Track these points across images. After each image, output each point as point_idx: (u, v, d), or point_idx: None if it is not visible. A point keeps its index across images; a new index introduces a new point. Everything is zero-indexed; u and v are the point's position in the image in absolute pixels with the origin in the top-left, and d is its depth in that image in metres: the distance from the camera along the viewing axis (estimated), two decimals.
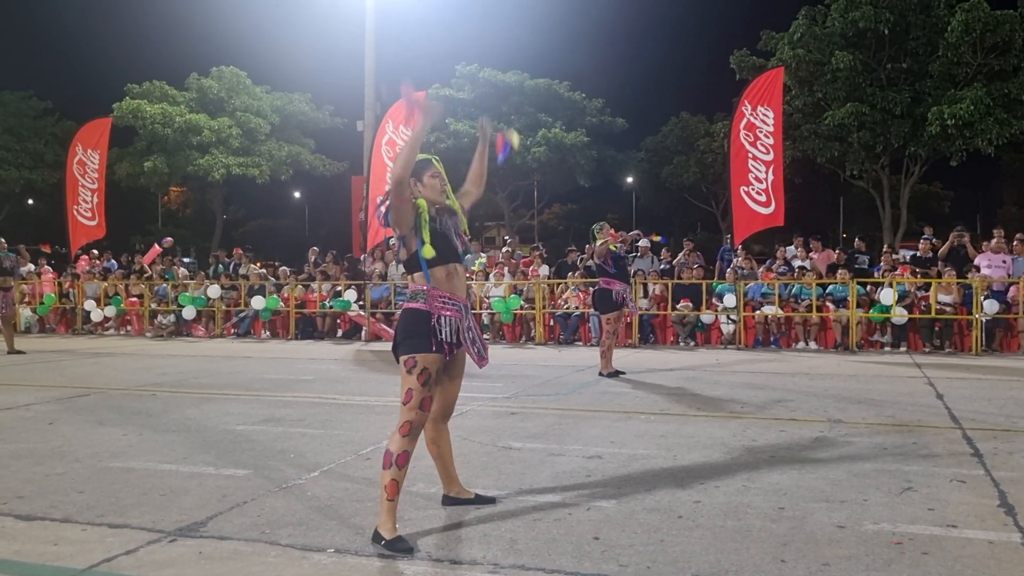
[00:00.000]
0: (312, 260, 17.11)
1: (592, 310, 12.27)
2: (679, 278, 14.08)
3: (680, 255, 15.10)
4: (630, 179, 39.61)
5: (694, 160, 34.60)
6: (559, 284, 14.66)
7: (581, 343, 13.77)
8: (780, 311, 12.77)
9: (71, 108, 35.58)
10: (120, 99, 30.39)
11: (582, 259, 14.63)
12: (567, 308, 14.05)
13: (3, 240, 12.80)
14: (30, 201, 38.30)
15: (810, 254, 14.04)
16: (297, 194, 49.80)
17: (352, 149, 26.31)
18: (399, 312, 4.01)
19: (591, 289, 12.76)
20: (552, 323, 14.29)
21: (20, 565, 3.12)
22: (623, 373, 9.11)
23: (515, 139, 4.08)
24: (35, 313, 17.08)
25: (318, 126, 34.23)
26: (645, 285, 14.03)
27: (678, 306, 13.40)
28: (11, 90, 34.95)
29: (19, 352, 11.87)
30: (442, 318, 3.54)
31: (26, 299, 16.97)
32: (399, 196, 3.49)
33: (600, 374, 9.06)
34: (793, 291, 13.08)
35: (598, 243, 9.05)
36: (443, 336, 3.53)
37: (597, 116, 33.50)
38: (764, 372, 9.53)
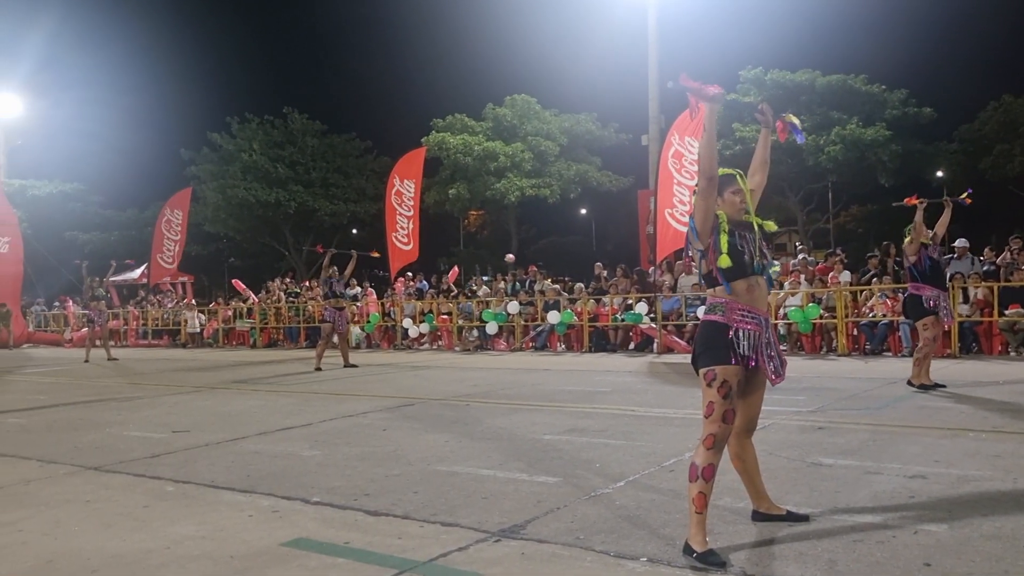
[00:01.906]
0: (602, 274, 17.51)
1: (903, 318, 11.37)
2: (1007, 280, 12.60)
3: (1005, 254, 13.49)
4: (940, 173, 36.00)
5: (1020, 147, 30.73)
6: (862, 291, 13.72)
7: (890, 354, 12.78)
8: None
9: (387, 146, 39.74)
10: (427, 133, 33.32)
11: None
12: (873, 316, 13.11)
13: (336, 268, 14.50)
14: (354, 231, 43.11)
15: None
16: (584, 211, 51.24)
17: (637, 164, 26.59)
18: (697, 323, 4.02)
19: (900, 295, 11.83)
20: (856, 332, 13.41)
21: (374, 555, 3.56)
22: (943, 386, 8.32)
23: (795, 119, 4.01)
24: (363, 330, 19.18)
25: (604, 143, 35.09)
26: (965, 289, 12.71)
27: (1006, 312, 11.98)
28: (339, 134, 39.83)
29: (353, 365, 13.41)
30: (740, 331, 3.52)
31: (355, 318, 19.10)
32: (707, 197, 3.52)
33: (910, 383, 8.35)
34: None
35: (907, 240, 8.36)
36: (741, 349, 3.50)
37: (900, 108, 30.87)
38: None
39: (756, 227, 3.68)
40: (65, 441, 6.86)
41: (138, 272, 30.12)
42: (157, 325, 24.56)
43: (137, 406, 9.23)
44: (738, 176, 3.67)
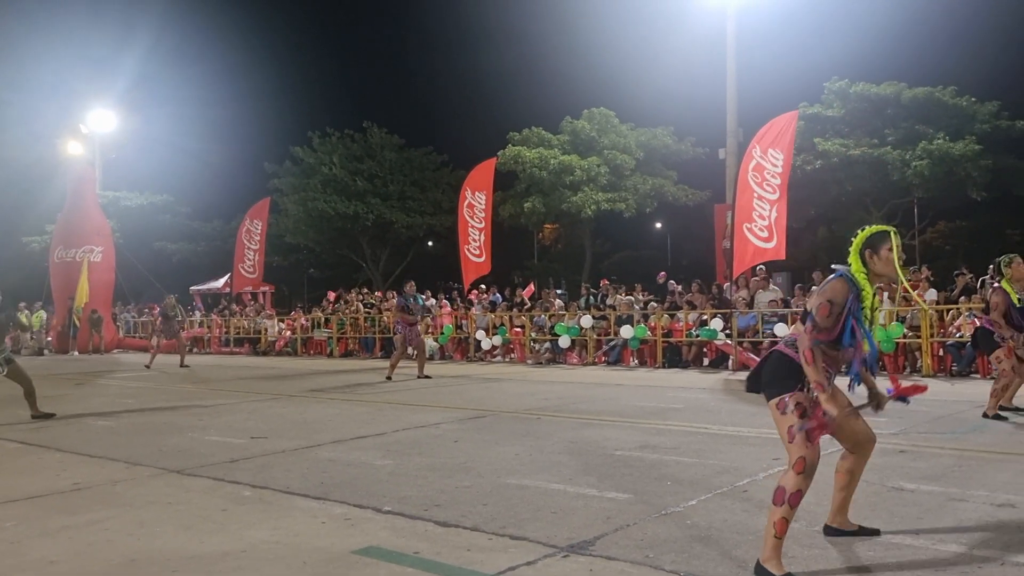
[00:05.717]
0: (675, 290, 17.31)
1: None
2: None
3: None
4: None
5: None
6: (949, 310, 13.23)
7: (978, 375, 12.28)
8: None
9: (463, 159, 40.17)
10: (504, 147, 33.53)
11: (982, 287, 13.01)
12: (960, 336, 12.62)
13: (413, 283, 14.68)
14: (430, 243, 43.65)
15: None
16: (659, 225, 50.81)
17: (714, 177, 26.30)
18: (774, 340, 3.96)
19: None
20: (942, 353, 12.93)
21: (442, 566, 3.58)
22: (1022, 410, 7.89)
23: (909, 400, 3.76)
24: (437, 342, 19.37)
25: (680, 157, 34.77)
26: None
27: None
28: (416, 147, 40.45)
29: (426, 377, 13.55)
30: None
31: (430, 330, 19.31)
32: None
33: (984, 415, 7.87)
34: None
35: (991, 294, 7.95)
36: (808, 389, 3.45)
37: (991, 121, 29.71)
38: None
39: (902, 281, 3.56)
40: (150, 444, 7.12)
41: (221, 282, 31.12)
42: (239, 333, 25.28)
43: (218, 412, 9.52)
44: (892, 233, 3.52)
